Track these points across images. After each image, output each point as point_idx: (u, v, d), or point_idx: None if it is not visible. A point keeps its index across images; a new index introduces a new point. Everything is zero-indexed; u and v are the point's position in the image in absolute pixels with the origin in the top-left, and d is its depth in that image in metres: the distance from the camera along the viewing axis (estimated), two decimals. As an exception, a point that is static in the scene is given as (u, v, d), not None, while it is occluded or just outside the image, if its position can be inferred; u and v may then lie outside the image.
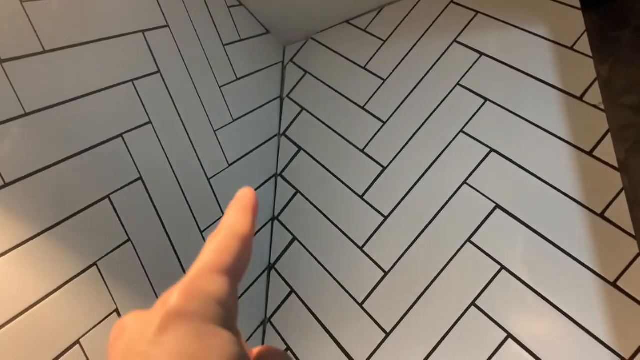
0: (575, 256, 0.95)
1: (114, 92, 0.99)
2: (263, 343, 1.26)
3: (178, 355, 0.18)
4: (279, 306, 1.27)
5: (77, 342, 0.84)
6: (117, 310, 0.91)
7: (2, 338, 0.73)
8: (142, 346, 0.18)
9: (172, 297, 0.20)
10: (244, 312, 1.22)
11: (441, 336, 1.03)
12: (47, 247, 0.82)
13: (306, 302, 1.23)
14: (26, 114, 0.83)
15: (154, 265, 1.01)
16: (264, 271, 1.32)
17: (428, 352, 1.03)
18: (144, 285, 0.99)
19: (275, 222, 1.38)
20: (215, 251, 0.23)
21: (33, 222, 0.81)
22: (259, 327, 1.25)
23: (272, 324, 1.26)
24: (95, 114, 0.95)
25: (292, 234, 1.33)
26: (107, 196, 0.94)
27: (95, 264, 0.89)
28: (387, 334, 1.10)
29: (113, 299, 0.91)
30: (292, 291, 1.27)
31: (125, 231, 0.96)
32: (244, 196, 0.25)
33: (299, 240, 1.31)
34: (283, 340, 1.23)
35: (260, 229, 1.32)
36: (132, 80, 1.04)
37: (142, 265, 0.98)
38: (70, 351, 0.82)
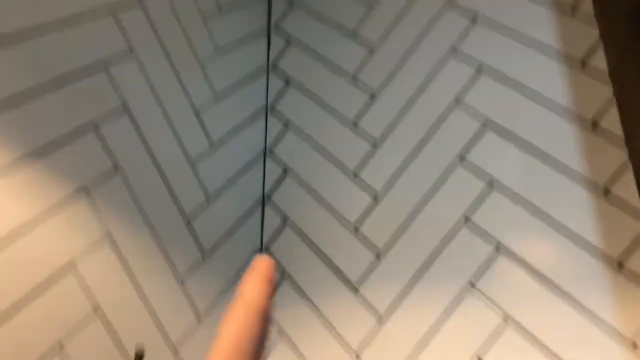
0: (567, 164, 0.93)
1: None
2: None
3: None
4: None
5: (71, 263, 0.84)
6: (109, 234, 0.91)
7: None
8: None
9: None
10: (240, 241, 1.21)
11: (432, 252, 1.03)
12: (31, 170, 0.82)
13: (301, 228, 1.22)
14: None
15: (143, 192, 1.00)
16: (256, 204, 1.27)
17: (418, 268, 1.03)
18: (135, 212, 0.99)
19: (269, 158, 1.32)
20: (233, 339, 0.24)
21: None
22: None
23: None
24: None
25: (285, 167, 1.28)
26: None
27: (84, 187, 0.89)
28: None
29: (104, 224, 0.91)
30: (286, 220, 1.22)
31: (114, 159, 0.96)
32: (263, 265, 0.27)
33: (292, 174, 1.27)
34: (282, 268, 1.22)
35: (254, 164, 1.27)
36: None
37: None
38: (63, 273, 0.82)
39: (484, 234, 0.99)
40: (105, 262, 0.91)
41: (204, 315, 1.08)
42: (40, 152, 0.84)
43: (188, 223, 1.10)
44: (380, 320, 1.05)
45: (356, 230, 1.15)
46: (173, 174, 1.09)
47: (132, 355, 0.89)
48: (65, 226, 0.85)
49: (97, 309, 0.87)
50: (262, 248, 1.28)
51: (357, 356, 1.05)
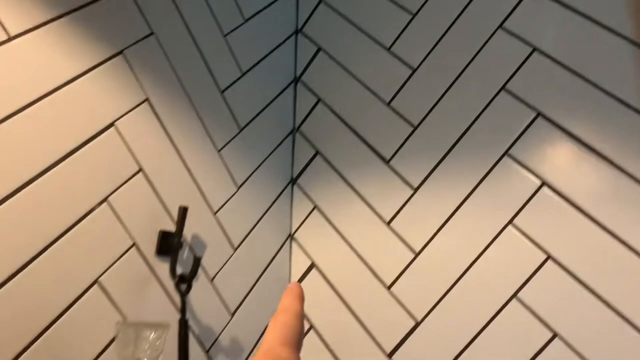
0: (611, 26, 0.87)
1: None
2: (293, 151, 1.27)
3: None
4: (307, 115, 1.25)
5: (112, 124, 0.87)
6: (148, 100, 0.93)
7: (37, 111, 0.75)
8: None
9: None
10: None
11: (468, 122, 1.01)
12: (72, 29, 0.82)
13: (333, 109, 1.22)
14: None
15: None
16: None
17: (453, 140, 1.03)
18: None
19: (299, 36, 1.31)
20: (281, 328, 0.30)
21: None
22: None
23: (301, 133, 1.26)
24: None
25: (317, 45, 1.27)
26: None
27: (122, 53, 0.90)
28: (415, 128, 1.07)
29: (142, 90, 0.93)
30: (319, 100, 1.24)
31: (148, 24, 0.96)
32: (294, 289, 0.34)
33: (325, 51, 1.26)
34: (312, 146, 1.24)
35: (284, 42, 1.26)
36: None
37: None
38: (106, 133, 0.86)
39: (522, 102, 0.97)
40: (145, 126, 0.93)
41: (240, 183, 1.11)
42: (80, 15, 0.84)
43: (222, 94, 1.11)
44: (413, 190, 1.07)
45: (389, 104, 1.14)
46: (207, 47, 1.08)
47: (175, 212, 0.94)
48: (106, 89, 0.87)
49: (140, 169, 0.90)
50: (295, 129, 1.29)
51: (388, 224, 1.08)
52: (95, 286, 0.80)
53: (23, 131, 0.74)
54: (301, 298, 0.33)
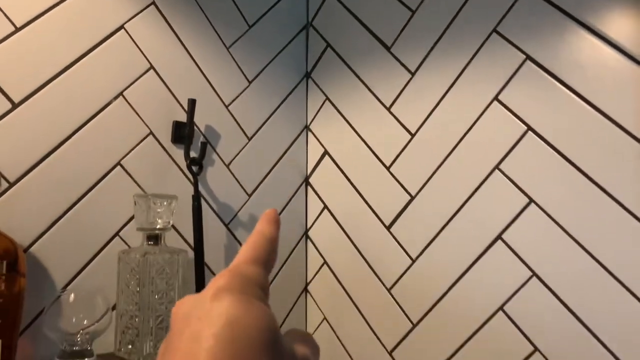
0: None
1: None
2: (307, 46, 1.35)
3: (226, 315, 0.22)
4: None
5: (122, 27, 0.98)
6: (154, 3, 1.02)
7: (53, 19, 0.88)
8: (198, 312, 0.23)
9: (220, 277, 0.26)
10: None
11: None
12: None
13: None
14: None
15: None
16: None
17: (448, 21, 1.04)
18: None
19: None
20: (250, 248, 0.30)
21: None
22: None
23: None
24: None
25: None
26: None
27: None
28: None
29: None
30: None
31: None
32: (269, 213, 0.33)
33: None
34: (324, 39, 1.31)
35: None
36: None
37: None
38: (116, 35, 0.97)
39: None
40: (153, 28, 1.03)
41: (251, 78, 1.20)
42: None
43: (230, -6, 1.17)
44: (411, 74, 1.11)
45: (391, -10, 1.15)
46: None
47: (186, 103, 1.06)
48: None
49: (150, 67, 1.01)
50: (309, 24, 1.34)
51: (389, 109, 1.14)
52: (118, 167, 0.95)
53: (45, 36, 0.87)
54: (275, 222, 0.33)
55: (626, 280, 0.80)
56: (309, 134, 1.32)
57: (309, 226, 1.29)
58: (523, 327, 0.90)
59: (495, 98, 0.97)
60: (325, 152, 1.27)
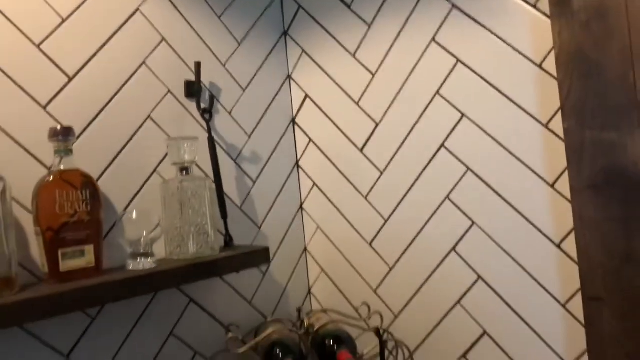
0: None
1: None
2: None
3: None
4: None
5: (138, 9, 1.25)
6: None
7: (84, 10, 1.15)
8: None
9: None
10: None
11: None
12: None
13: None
14: None
15: None
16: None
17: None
18: None
19: (279, -53, 1.57)
20: None
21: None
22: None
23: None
24: None
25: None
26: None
27: None
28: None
29: None
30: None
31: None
32: None
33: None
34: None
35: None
36: None
37: None
38: (134, 17, 1.24)
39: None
40: (162, 8, 1.28)
41: (240, 40, 1.47)
42: None
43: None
44: (368, 25, 1.39)
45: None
46: None
47: (193, 67, 1.33)
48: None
49: (162, 39, 1.28)
50: (281, -13, 1.59)
51: (354, 56, 1.43)
52: (149, 120, 1.24)
53: (83, 25, 1.12)
54: None
55: (527, 161, 1.12)
56: (292, 82, 1.60)
57: (299, 157, 1.60)
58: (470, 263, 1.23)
59: (433, 39, 1.26)
60: (306, 96, 1.56)
